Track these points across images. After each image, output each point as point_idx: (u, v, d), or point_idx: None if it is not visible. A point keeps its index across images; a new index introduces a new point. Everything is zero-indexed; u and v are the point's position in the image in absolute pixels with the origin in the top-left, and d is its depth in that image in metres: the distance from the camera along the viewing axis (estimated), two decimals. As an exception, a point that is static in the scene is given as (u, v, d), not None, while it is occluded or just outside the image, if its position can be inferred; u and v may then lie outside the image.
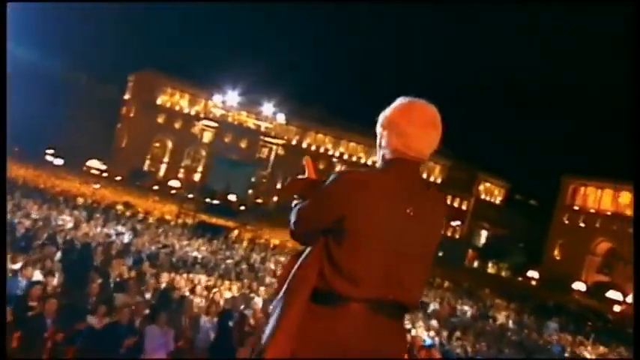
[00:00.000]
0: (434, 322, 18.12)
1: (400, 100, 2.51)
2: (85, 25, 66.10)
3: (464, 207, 73.85)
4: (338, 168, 69.72)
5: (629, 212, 62.26)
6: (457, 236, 72.96)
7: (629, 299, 53.51)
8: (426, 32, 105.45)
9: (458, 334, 17.36)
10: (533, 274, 63.70)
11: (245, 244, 34.83)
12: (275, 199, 63.76)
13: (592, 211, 65.53)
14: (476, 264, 69.76)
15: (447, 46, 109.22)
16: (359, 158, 71.12)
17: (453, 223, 72.33)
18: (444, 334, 16.92)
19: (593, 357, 22.06)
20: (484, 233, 74.88)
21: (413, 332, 15.89)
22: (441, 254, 63.64)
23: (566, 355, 20.74)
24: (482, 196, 76.13)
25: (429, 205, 2.45)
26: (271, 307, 2.52)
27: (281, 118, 53.84)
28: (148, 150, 66.35)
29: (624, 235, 61.08)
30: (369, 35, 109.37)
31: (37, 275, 12.26)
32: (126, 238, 21.38)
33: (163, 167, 66.04)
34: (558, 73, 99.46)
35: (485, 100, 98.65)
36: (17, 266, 12.29)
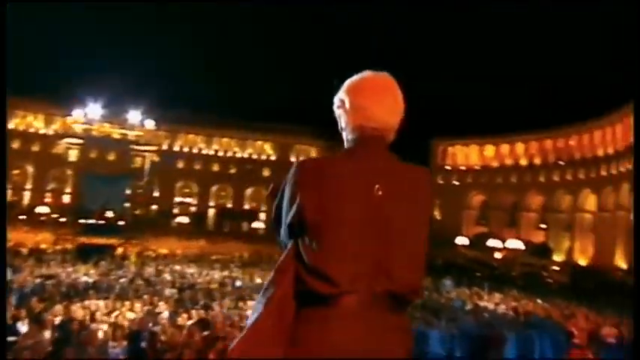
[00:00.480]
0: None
1: (349, 79, 2.39)
2: None
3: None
4: (215, 167, 69.04)
5: (495, 164, 65.26)
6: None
7: (508, 244, 56.16)
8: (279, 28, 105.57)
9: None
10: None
11: (134, 259, 33.93)
12: (155, 207, 62.30)
13: (462, 168, 68.06)
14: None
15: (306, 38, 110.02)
16: (234, 153, 70.29)
17: None
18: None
19: (492, 305, 22.79)
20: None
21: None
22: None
23: (468, 307, 21.29)
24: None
25: (405, 179, 2.27)
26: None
27: (150, 124, 52.45)
28: (7, 179, 62.80)
29: (493, 186, 64.12)
30: (228, 34, 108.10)
31: None
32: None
33: (27, 195, 62.13)
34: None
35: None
36: None
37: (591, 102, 53.96)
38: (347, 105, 2.32)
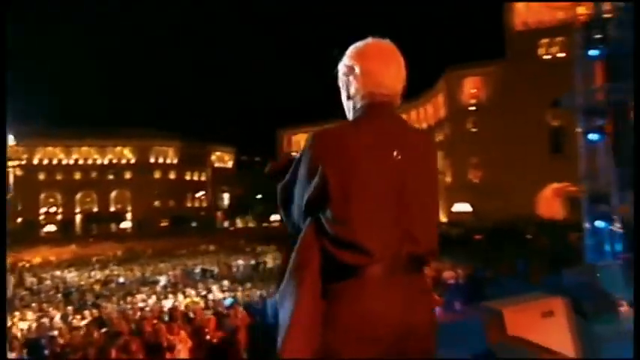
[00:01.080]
0: (225, 283, 18.03)
1: (353, 46, 2.16)
2: None
3: (203, 178, 73.72)
4: (77, 175, 65.90)
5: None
6: (204, 205, 72.95)
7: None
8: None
9: (248, 285, 17.47)
10: (275, 217, 65.82)
11: (10, 271, 31.71)
12: (19, 220, 58.66)
13: (307, 151, 69.17)
14: (226, 223, 70.31)
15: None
16: (95, 160, 67.48)
17: (198, 194, 72.21)
18: (239, 289, 16.93)
19: None
20: (226, 196, 75.56)
21: (211, 297, 15.74)
22: (194, 224, 64.20)
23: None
24: (217, 165, 76.33)
25: (417, 143, 2.10)
26: (277, 299, 2.00)
27: (11, 140, 49.15)
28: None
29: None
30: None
31: None
32: None
33: None
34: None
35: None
36: None
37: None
38: (357, 71, 2.08)
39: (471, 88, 51.06)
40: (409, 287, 1.95)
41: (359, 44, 2.13)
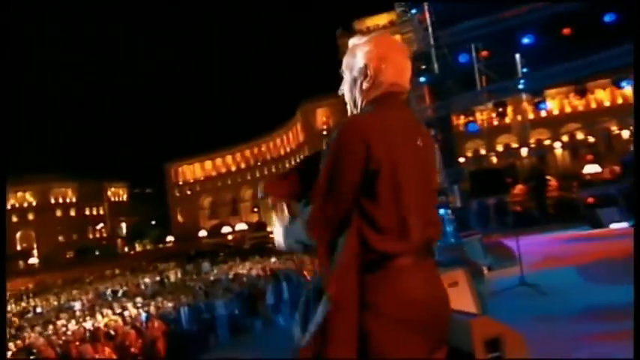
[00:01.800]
0: (138, 299, 16.45)
1: (373, 35, 1.78)
2: None
3: (102, 212, 69.39)
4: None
5: (214, 173, 65.41)
6: (105, 235, 68.87)
7: (236, 227, 56.71)
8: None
9: (158, 299, 16.06)
10: (170, 238, 63.45)
11: None
12: None
13: (191, 180, 67.21)
14: (126, 249, 66.67)
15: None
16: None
17: (98, 227, 68.33)
18: (151, 304, 15.46)
19: (246, 271, 22.22)
20: (123, 225, 71.58)
21: (127, 313, 14.25)
22: (97, 253, 60.30)
23: (231, 277, 20.62)
24: (113, 199, 71.90)
25: (427, 134, 1.78)
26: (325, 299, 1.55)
27: None
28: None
29: (216, 189, 64.31)
30: None
31: None
32: None
33: None
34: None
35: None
36: None
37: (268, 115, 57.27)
38: (382, 61, 1.68)
39: (322, 116, 52.24)
40: (433, 269, 1.68)
41: (379, 36, 1.78)
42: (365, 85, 1.70)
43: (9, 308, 23.14)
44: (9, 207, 62.16)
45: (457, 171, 15.62)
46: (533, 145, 39.25)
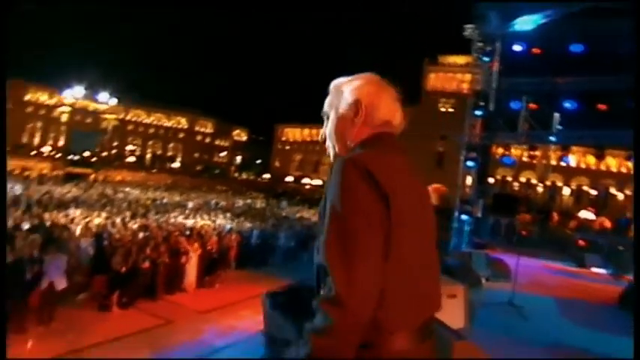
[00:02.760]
0: (228, 214, 16.86)
1: (364, 77, 1.27)
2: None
3: (226, 144, 71.82)
4: (152, 129, 63.39)
5: (308, 139, 65.50)
6: (225, 161, 71.51)
7: (313, 182, 56.98)
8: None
9: (242, 218, 16.39)
10: (267, 175, 64.90)
11: (99, 183, 29.77)
12: (114, 151, 56.22)
13: (291, 140, 67.82)
14: (236, 175, 68.96)
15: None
16: (162, 122, 65.38)
17: (222, 154, 70.93)
18: (235, 220, 15.81)
19: (309, 215, 22.04)
20: (238, 158, 73.77)
21: (217, 222, 14.62)
22: (217, 172, 62.79)
23: (297, 217, 20.54)
24: (235, 138, 73.98)
25: (419, 173, 1.29)
26: None
27: (113, 101, 46.61)
28: (23, 129, 53.64)
29: (308, 150, 64.42)
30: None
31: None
32: (17, 191, 16.73)
33: (36, 140, 54.06)
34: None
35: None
36: None
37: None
38: (371, 102, 1.21)
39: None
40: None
41: (369, 75, 1.27)
42: (356, 122, 1.22)
43: (148, 194, 24.56)
44: (169, 125, 65.59)
45: (485, 189, 14.65)
46: (548, 184, 36.71)
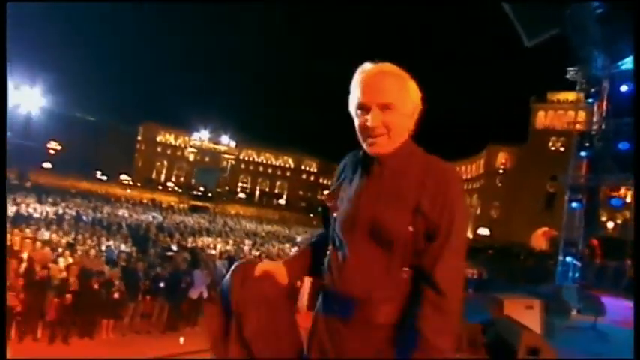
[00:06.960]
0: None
1: (409, 78, 1.17)
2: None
3: (329, 183, 73.19)
4: (260, 168, 68.81)
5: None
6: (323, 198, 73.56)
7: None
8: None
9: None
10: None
11: (219, 216, 33.49)
12: (227, 188, 62.31)
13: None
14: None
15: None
16: (270, 162, 70.06)
17: (325, 192, 72.41)
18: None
19: None
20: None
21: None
22: (319, 209, 64.94)
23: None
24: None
25: None
26: None
27: (232, 144, 52.83)
28: (154, 166, 62.13)
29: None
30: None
31: (122, 247, 11.62)
32: (159, 219, 20.30)
33: (163, 176, 62.07)
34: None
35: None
36: (110, 242, 11.56)
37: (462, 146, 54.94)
38: (419, 106, 1.18)
39: (502, 159, 48.84)
40: None
41: (410, 80, 1.17)
42: (409, 125, 1.18)
43: (262, 227, 27.04)
44: (277, 164, 70.00)
45: (592, 231, 14.14)
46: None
